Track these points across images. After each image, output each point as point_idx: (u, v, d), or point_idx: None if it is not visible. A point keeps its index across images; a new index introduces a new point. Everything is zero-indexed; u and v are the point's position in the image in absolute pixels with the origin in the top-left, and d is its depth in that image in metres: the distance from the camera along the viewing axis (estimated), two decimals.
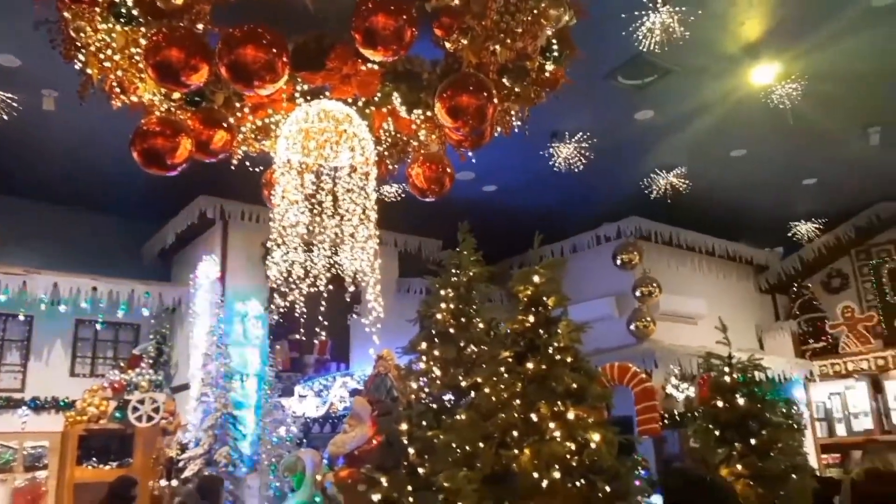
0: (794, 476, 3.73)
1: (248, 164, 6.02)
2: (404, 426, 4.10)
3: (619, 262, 10.96)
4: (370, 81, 4.68)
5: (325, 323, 5.25)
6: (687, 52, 6.93)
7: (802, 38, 7.04)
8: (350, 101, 5.07)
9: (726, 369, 4.17)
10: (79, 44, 4.58)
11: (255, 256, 9.79)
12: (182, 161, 4.96)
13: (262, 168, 6.06)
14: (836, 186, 11.32)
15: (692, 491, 2.65)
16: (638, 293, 10.71)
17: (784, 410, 5.19)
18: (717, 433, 4.05)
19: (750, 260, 13.08)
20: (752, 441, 3.85)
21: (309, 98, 5.07)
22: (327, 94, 4.99)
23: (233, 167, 5.87)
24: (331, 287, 5.25)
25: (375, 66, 4.60)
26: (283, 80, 4.40)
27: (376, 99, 4.97)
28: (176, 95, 5.00)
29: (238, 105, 5.32)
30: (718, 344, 4.46)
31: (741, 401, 4.03)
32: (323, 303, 5.21)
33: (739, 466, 3.87)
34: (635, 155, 9.79)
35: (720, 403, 4.15)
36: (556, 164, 9.32)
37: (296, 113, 5.13)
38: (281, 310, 5.27)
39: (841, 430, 11.92)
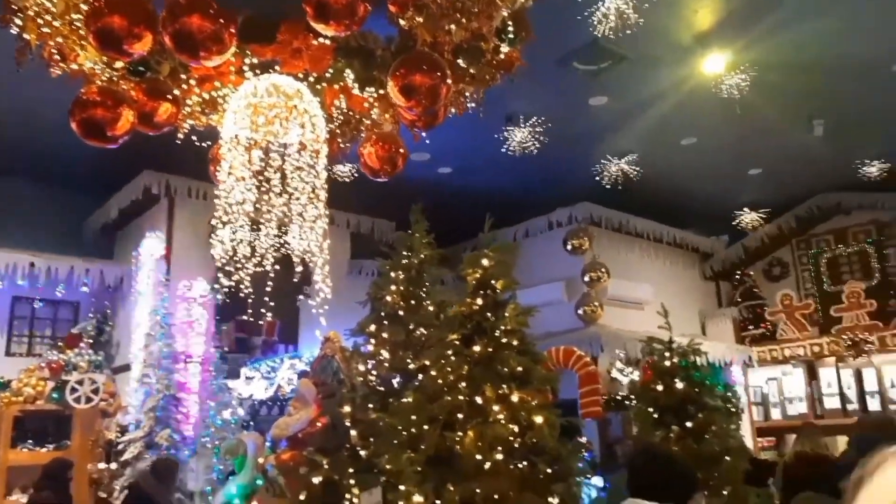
0: (727, 458, 3.84)
1: (194, 138, 5.84)
2: (348, 408, 4.06)
3: (569, 247, 11.10)
4: (322, 57, 4.58)
5: (272, 304, 5.14)
6: (641, 39, 6.99)
7: (750, 28, 7.17)
8: (301, 76, 4.95)
9: (667, 354, 4.27)
10: (15, 7, 4.35)
11: (202, 234, 9.55)
12: (123, 133, 4.79)
13: (209, 143, 5.90)
14: (779, 177, 11.65)
15: (656, 468, 2.70)
16: (587, 278, 10.86)
17: (722, 395, 5.35)
18: (655, 416, 4.14)
19: (696, 248, 13.42)
20: (689, 424, 3.95)
21: (258, 72, 4.92)
22: (277, 68, 4.86)
23: (179, 141, 5.69)
24: (278, 267, 5.14)
25: (327, 41, 4.49)
26: (230, 52, 4.27)
27: (328, 75, 4.86)
28: (119, 64, 4.81)
29: (184, 77, 5.14)
30: (661, 329, 4.56)
31: (680, 385, 4.12)
32: (269, 283, 5.10)
33: (676, 449, 3.97)
34: (588, 141, 9.87)
35: (660, 387, 4.25)
36: (511, 148, 9.33)
37: (244, 87, 4.99)
38: (226, 290, 5.13)
39: (776, 414, 12.37)
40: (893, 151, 10.60)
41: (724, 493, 3.45)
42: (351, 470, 3.64)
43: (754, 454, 9.97)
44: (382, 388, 4.93)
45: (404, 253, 5.93)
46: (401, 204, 9.29)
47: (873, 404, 11.21)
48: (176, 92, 5.12)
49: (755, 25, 7.09)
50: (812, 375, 11.93)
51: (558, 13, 6.39)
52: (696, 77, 8.08)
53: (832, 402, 11.71)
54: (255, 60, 4.87)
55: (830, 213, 13.00)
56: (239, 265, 5.14)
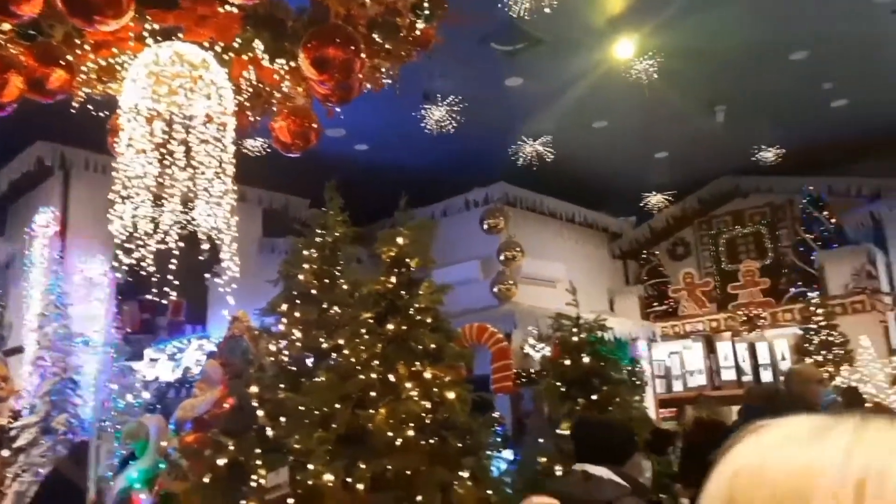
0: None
1: (91, 107, 5.49)
2: (255, 389, 3.98)
3: (485, 226, 11.24)
4: (229, 25, 4.38)
5: (176, 283, 4.92)
6: (556, 22, 7.08)
7: (656, 14, 7.40)
8: (207, 45, 4.72)
9: (574, 330, 4.40)
10: None
11: (100, 209, 9.01)
12: (11, 100, 4.47)
13: (108, 113, 5.56)
14: (684, 160, 12.17)
15: (596, 433, 2.82)
16: (502, 257, 11.04)
17: (628, 368, 5.58)
18: (563, 390, 4.27)
19: (605, 228, 13.89)
20: (594, 397, 4.10)
21: (160, 39, 4.67)
22: (181, 35, 4.62)
23: (73, 110, 5.34)
24: (182, 245, 4.92)
25: (234, 10, 4.30)
26: (127, 17, 4.01)
27: (236, 45, 4.66)
28: (6, 27, 4.44)
29: (79, 42, 4.81)
30: (569, 306, 4.70)
31: (586, 359, 4.27)
32: (173, 261, 4.88)
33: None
34: (504, 121, 9.97)
35: (567, 362, 4.38)
36: (428, 126, 9.30)
37: (145, 54, 4.72)
38: (125, 268, 4.88)
39: (678, 386, 13.01)
40: (788, 137, 11.26)
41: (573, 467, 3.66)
42: (258, 451, 3.57)
43: (657, 425, 10.49)
44: (294, 368, 4.85)
45: (318, 231, 5.80)
46: (315, 180, 9.09)
47: (766, 376, 11.96)
48: (70, 57, 4.80)
49: (661, 11, 7.31)
50: (710, 349, 12.59)
51: None
52: (607, 61, 8.28)
53: (728, 375, 12.43)
54: (156, 27, 4.61)
55: (730, 196, 13.71)
56: (140, 242, 4.89)
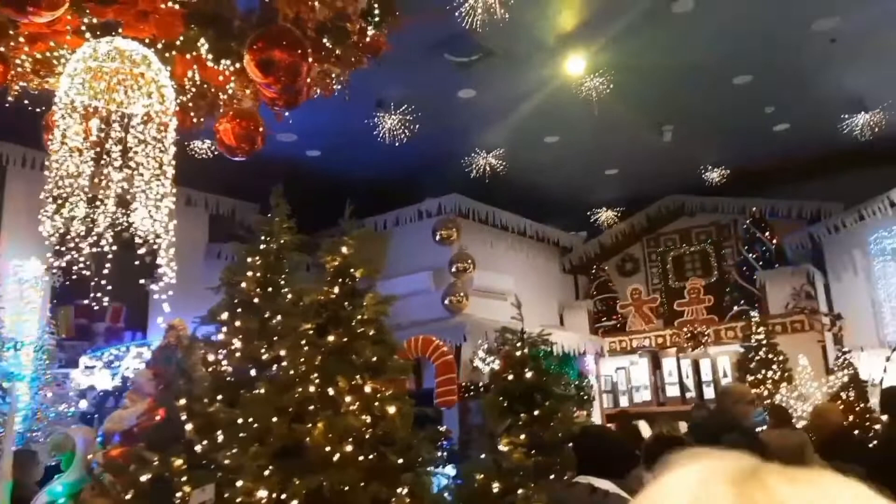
0: (569, 445, 4.01)
1: (26, 102, 5.27)
2: (183, 401, 3.83)
3: (438, 237, 11.20)
4: (171, 22, 4.24)
5: (109, 288, 4.73)
6: (508, 35, 7.12)
7: (604, 33, 7.50)
8: (149, 42, 4.57)
9: (518, 344, 4.38)
10: None
11: (37, 209, 8.65)
12: None
13: (46, 108, 5.34)
14: (633, 178, 12.39)
15: (595, 446, 2.97)
16: (454, 268, 11.01)
17: (575, 382, 5.56)
18: (505, 404, 4.24)
19: (556, 242, 14.00)
20: (536, 412, 4.08)
21: (99, 33, 4.49)
22: (121, 31, 4.46)
23: (7, 105, 5.13)
24: (117, 249, 4.73)
25: (176, 6, 4.17)
26: (62, 9, 3.85)
27: (179, 43, 4.52)
28: None
29: (12, 33, 4.60)
30: (513, 319, 4.68)
31: (529, 374, 4.24)
32: (107, 265, 4.69)
33: (523, 436, 4.08)
34: (458, 132, 9.98)
35: (511, 377, 4.35)
36: (382, 135, 9.23)
37: (83, 49, 4.54)
38: (57, 271, 4.66)
39: (624, 401, 13.16)
40: (733, 159, 11.57)
41: (566, 478, 3.61)
42: (184, 466, 3.42)
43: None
44: (232, 380, 4.69)
45: (262, 237, 5.65)
46: (265, 185, 8.85)
47: (708, 392, 12.19)
48: (2, 49, 4.59)
49: (608, 29, 7.42)
50: (656, 365, 12.79)
51: (430, 1, 6.37)
52: (559, 77, 8.36)
53: (673, 391, 12.63)
54: (95, 21, 4.44)
55: (677, 214, 14.00)
56: (73, 245, 4.69)
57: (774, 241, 12.39)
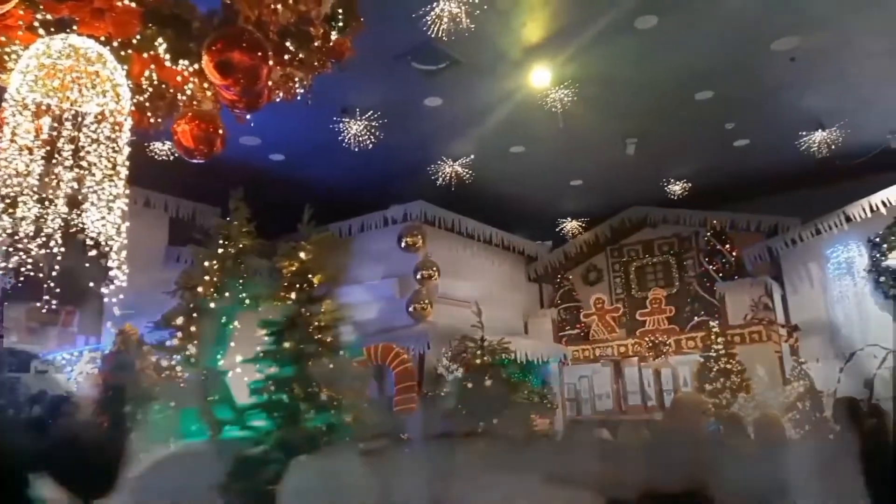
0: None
1: None
2: (128, 408, 3.74)
3: (403, 244, 11.16)
4: (127, 21, 4.15)
5: (59, 290, 4.59)
6: (474, 45, 7.14)
7: (571, 45, 7.57)
8: (105, 40, 4.47)
9: (478, 352, 4.36)
10: None
11: None
12: None
13: None
14: (597, 189, 12.51)
15: None
16: (419, 276, 10.97)
17: (538, 390, 5.54)
18: (464, 412, 4.22)
19: (522, 250, 14.06)
20: (495, 421, 4.07)
21: (53, 30, 4.38)
22: (76, 28, 4.35)
23: None
24: (67, 250, 4.60)
25: (133, 4, 4.08)
26: (12, 3, 3.74)
27: (135, 42, 4.42)
28: None
29: None
30: (474, 327, 4.66)
31: (488, 382, 4.23)
32: (56, 267, 4.55)
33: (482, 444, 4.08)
34: (424, 140, 9.96)
35: (470, 385, 4.34)
36: (347, 141, 9.17)
37: (36, 45, 4.41)
38: (3, 272, 4.51)
39: (587, 409, 13.23)
40: (694, 173, 11.77)
41: None
42: None
43: None
44: (185, 386, 4.59)
45: (221, 241, 5.58)
46: (227, 189, 8.78)
47: (669, 401, 12.32)
48: None
49: (573, 43, 7.48)
50: (618, 374, 12.89)
51: (396, 8, 6.36)
52: (525, 88, 8.41)
53: (635, 399, 12.75)
54: (49, 17, 4.33)
55: (640, 225, 14.17)
56: (21, 246, 4.54)
57: (734, 254, 12.63)
